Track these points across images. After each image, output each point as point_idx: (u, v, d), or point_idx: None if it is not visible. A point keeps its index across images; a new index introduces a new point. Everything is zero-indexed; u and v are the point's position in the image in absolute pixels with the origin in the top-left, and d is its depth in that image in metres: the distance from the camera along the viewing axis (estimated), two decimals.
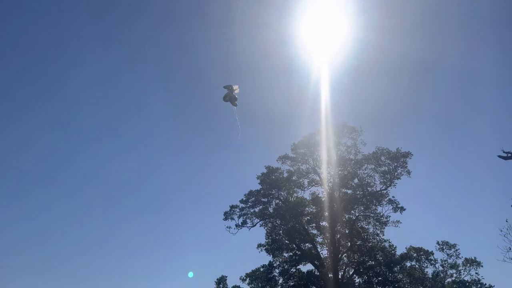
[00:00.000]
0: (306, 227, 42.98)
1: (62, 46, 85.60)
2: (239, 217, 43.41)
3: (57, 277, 75.35)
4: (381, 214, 41.36)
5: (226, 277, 52.04)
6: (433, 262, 43.77)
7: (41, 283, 72.99)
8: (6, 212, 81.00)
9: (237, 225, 43.10)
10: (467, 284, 41.90)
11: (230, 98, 16.18)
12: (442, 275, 43.07)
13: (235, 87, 16.42)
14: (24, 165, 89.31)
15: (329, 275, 40.25)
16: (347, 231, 41.82)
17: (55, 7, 79.00)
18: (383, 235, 41.32)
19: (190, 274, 50.16)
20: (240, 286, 49.34)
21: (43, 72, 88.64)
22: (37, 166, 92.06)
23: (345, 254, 41.72)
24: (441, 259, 43.84)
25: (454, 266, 43.12)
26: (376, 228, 41.58)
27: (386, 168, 41.80)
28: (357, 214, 42.43)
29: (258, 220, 43.71)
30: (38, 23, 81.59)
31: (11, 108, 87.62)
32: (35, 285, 72.65)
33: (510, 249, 20.50)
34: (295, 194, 44.45)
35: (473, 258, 43.08)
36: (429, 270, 43.52)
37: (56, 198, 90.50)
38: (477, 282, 41.93)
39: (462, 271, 42.93)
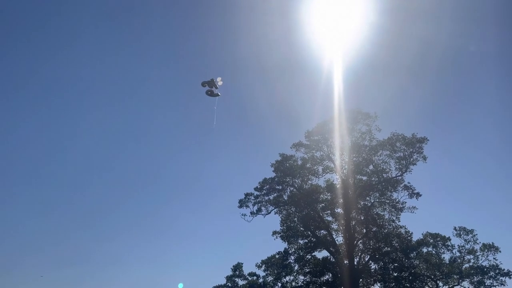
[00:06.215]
0: (321, 214, 42.97)
1: (61, 44, 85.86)
2: (254, 205, 43.68)
3: (57, 276, 77.24)
4: (396, 200, 41.12)
5: (242, 263, 52.72)
6: (450, 247, 43.37)
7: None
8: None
9: (252, 213, 43.37)
10: (485, 269, 41.44)
11: (211, 92, 17.41)
12: (459, 260, 42.68)
13: (218, 79, 17.46)
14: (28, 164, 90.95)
15: (345, 262, 40.34)
16: (362, 218, 41.66)
17: None
18: (399, 221, 41.12)
19: (180, 285, 50.74)
20: (256, 272, 49.97)
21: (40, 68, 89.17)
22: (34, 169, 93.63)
23: (360, 241, 41.67)
24: (458, 245, 43.37)
25: (471, 251, 42.62)
26: (392, 215, 41.36)
27: (402, 154, 41.29)
28: (372, 201, 42.27)
29: (273, 208, 43.86)
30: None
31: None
32: None
33: None
34: (309, 181, 44.35)
35: (490, 243, 42.53)
36: (446, 256, 43.21)
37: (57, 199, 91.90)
38: (495, 267, 41.42)
39: (479, 256, 42.40)
